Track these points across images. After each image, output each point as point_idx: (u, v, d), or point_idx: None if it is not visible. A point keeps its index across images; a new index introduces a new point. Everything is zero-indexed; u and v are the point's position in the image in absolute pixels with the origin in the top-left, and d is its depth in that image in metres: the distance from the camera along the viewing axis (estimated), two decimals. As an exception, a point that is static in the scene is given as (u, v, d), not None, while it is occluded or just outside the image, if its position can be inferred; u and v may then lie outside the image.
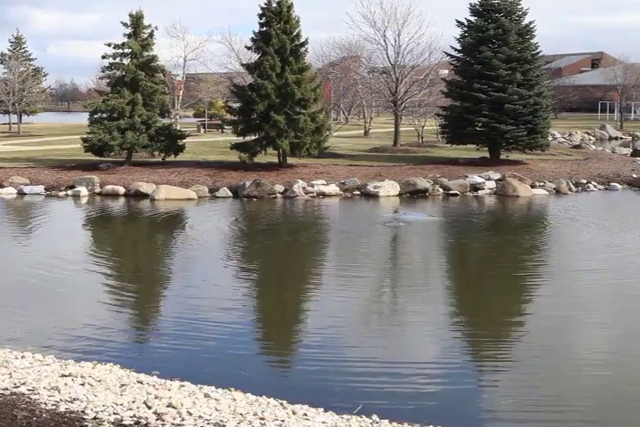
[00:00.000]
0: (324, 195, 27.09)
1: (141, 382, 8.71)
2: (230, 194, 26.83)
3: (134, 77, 30.81)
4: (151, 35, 31.79)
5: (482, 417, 8.81)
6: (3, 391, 7.90)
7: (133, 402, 7.78)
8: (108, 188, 27.20)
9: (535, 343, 11.36)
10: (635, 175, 30.98)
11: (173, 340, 11.33)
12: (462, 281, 16.06)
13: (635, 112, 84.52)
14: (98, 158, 31.12)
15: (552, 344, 11.29)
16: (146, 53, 31.49)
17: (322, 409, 8.13)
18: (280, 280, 15.64)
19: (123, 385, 8.48)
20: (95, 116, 31.49)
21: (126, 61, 31.34)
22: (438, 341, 11.57)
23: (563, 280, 15.48)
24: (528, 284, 15.31)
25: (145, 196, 26.34)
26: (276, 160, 30.99)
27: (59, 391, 7.96)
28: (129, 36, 31.44)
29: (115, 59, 31.42)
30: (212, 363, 10.39)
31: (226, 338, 11.46)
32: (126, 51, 31.32)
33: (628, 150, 44.79)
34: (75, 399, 7.71)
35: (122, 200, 26.27)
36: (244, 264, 17.09)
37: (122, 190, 27.02)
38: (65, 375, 8.68)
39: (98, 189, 27.24)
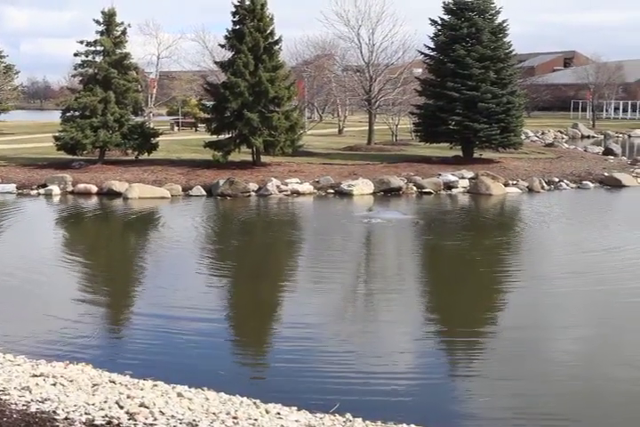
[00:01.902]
0: (297, 193, 27.08)
1: (114, 382, 8.65)
2: (204, 192, 26.75)
3: (107, 75, 30.63)
4: (124, 32, 31.63)
5: (455, 416, 8.84)
6: (-27, 392, 7.82)
7: (105, 402, 7.72)
8: (81, 186, 27.02)
9: (508, 345, 11.41)
10: (606, 174, 31.24)
11: (147, 340, 11.29)
12: (437, 281, 16.10)
13: (606, 111, 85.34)
14: (70, 157, 30.90)
15: (524, 350, 11.37)
16: (118, 51, 31.32)
17: (295, 408, 8.13)
18: (253, 280, 15.60)
19: (95, 385, 8.42)
20: (67, 115, 31.30)
21: (99, 59, 31.18)
22: (413, 340, 11.60)
23: (539, 284, 15.58)
24: (504, 286, 15.38)
25: (118, 194, 26.19)
26: (249, 158, 30.94)
27: (30, 392, 7.88)
28: (101, 33, 31.25)
29: (87, 56, 31.24)
30: (185, 362, 10.34)
31: (199, 338, 11.43)
32: (98, 48, 31.16)
33: (600, 149, 45.17)
34: (46, 400, 7.64)
35: (94, 199, 26.11)
36: (216, 264, 17.01)
37: (94, 189, 26.85)
38: (36, 375, 8.61)
39: (70, 188, 27.06)
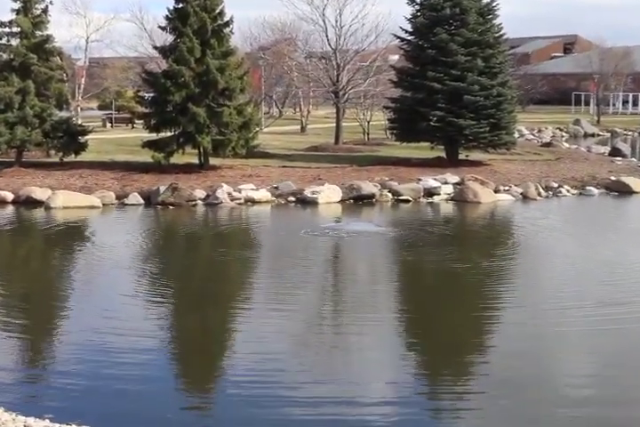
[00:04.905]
0: (253, 201, 27.06)
1: (30, 428, 8.55)
2: (142, 201, 26.63)
3: (24, 62, 30.42)
4: (45, 11, 31.43)
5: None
6: None
7: (19, 452, 7.64)
8: (-6, 194, 26.81)
9: (491, 374, 11.42)
10: (613, 178, 31.38)
11: (72, 377, 11.14)
12: (416, 316, 16.10)
13: (613, 105, 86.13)
14: (-19, 159, 30.69)
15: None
16: (39, 33, 31.14)
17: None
18: (198, 306, 15.42)
19: (7, 432, 8.32)
20: (-22, 109, 31.04)
21: (15, 42, 30.97)
22: (378, 370, 11.62)
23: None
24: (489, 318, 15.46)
25: (39, 203, 25.98)
26: (196, 161, 30.89)
27: None
28: (17, 12, 31.00)
29: (1, 39, 31.03)
30: (117, 403, 10.24)
31: (134, 373, 11.32)
32: (15, 30, 30.95)
33: (606, 149, 45.61)
34: (-53, 450, 7.53)
35: (10, 208, 25.88)
36: (155, 286, 16.79)
37: (10, 197, 26.61)
38: (-63, 422, 8.48)
39: (-19, 196, 26.82)
